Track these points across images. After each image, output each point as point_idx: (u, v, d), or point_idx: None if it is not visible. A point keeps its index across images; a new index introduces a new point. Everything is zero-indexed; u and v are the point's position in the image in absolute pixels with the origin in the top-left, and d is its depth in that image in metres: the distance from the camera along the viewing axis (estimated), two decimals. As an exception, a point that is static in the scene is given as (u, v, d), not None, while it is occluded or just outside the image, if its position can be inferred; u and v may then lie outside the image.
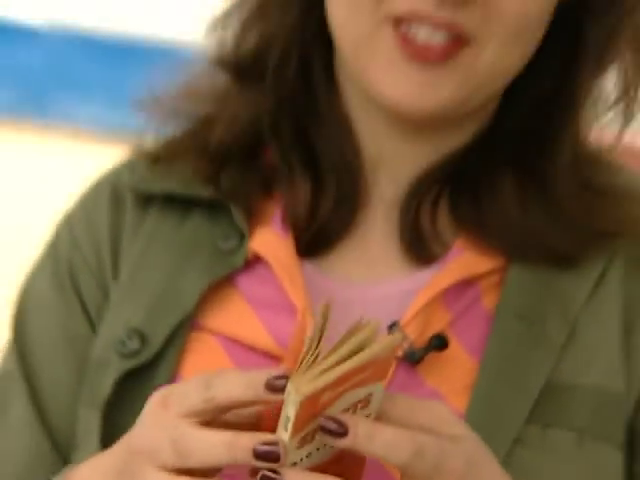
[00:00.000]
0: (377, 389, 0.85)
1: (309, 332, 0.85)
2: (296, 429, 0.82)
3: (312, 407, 0.82)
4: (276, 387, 0.83)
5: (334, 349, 0.84)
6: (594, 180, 1.08)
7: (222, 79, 1.13)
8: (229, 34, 1.12)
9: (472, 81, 1.02)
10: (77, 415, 1.07)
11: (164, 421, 0.87)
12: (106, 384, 1.05)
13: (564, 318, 1.04)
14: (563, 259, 1.05)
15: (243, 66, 1.11)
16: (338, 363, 0.83)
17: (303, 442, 0.83)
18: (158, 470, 0.86)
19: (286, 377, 0.83)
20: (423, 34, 0.99)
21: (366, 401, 0.85)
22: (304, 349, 0.84)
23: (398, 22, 0.99)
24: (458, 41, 0.99)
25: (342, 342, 0.84)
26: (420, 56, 1.00)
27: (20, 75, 20.54)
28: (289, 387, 0.82)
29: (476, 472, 0.87)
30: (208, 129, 1.11)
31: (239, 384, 0.85)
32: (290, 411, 0.81)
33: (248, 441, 0.82)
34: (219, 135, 1.10)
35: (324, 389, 0.82)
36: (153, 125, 1.14)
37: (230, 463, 0.84)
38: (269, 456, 0.81)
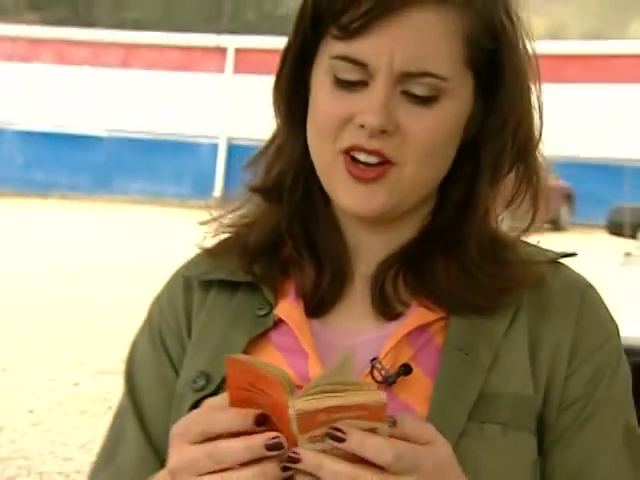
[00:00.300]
0: (382, 428, 1.06)
1: (323, 370, 1.12)
2: (301, 430, 1.04)
3: (311, 418, 1.04)
4: (271, 447, 1.05)
5: (321, 379, 1.06)
6: (500, 254, 1.31)
7: (255, 200, 1.40)
8: (258, 171, 1.38)
9: (398, 191, 1.26)
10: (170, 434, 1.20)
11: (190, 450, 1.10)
12: (184, 410, 1.28)
13: (490, 348, 1.27)
14: (482, 309, 1.28)
15: (269, 191, 1.37)
16: (324, 392, 1.05)
17: (314, 440, 1.04)
18: (201, 477, 1.09)
19: (277, 439, 1.05)
20: (362, 158, 1.24)
21: (373, 432, 1.05)
22: (312, 381, 1.06)
23: (346, 152, 1.25)
24: (385, 162, 1.23)
25: (328, 375, 1.07)
26: (361, 178, 1.25)
27: (91, 167, 28.02)
28: (290, 402, 1.04)
29: (441, 472, 1.09)
30: (247, 233, 1.37)
31: (241, 448, 1.07)
32: (292, 419, 1.04)
33: (260, 440, 1.05)
34: (255, 237, 1.36)
35: (316, 412, 1.04)
36: (211, 232, 1.40)
37: (253, 458, 1.06)
38: (275, 446, 1.05)
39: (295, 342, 1.31)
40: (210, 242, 1.41)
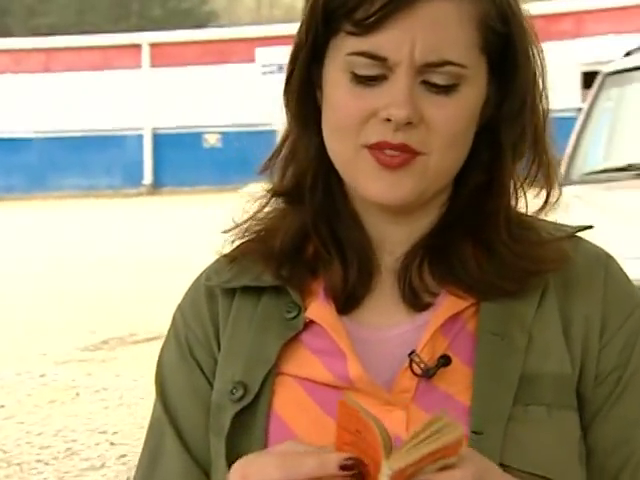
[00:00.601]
0: (454, 460, 1.02)
1: (416, 427, 1.01)
2: None
3: (401, 473, 0.99)
4: (347, 467, 1.01)
5: (416, 435, 1.00)
6: (524, 235, 1.25)
7: (277, 202, 1.32)
8: (275, 173, 1.31)
9: (424, 179, 1.20)
10: (210, 443, 1.24)
11: None
12: (226, 421, 1.22)
13: (523, 330, 1.21)
14: (511, 293, 1.22)
15: (289, 193, 1.29)
16: (416, 446, 0.99)
17: None
18: None
19: (352, 459, 1.01)
20: (388, 152, 1.18)
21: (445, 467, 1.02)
22: (407, 438, 1.00)
23: (371, 148, 1.19)
24: (412, 153, 1.18)
25: (423, 430, 1.00)
26: (388, 165, 1.18)
27: (24, 168, 27.88)
28: (383, 463, 0.99)
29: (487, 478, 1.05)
30: (270, 237, 1.29)
31: (313, 466, 1.02)
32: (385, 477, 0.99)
33: (335, 458, 1.01)
34: (281, 240, 1.28)
35: (408, 465, 0.99)
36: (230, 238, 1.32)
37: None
38: (350, 467, 1.01)
39: (330, 343, 1.24)
40: (227, 248, 1.34)
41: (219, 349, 1.29)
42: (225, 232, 1.33)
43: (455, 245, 1.25)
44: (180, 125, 26.90)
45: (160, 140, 27.65)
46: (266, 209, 1.33)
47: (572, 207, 5.23)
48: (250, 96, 23.71)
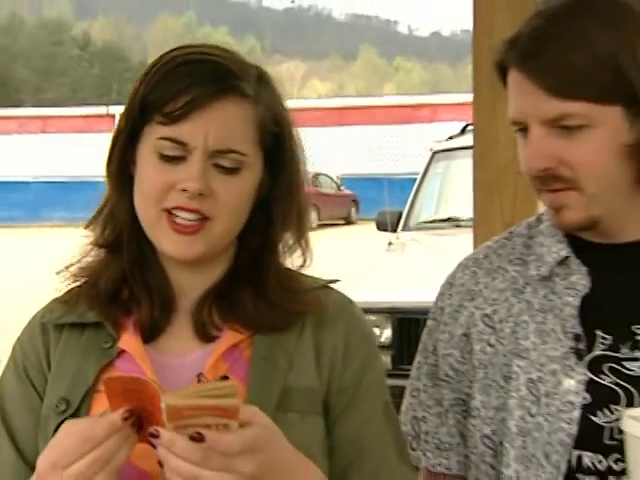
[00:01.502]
0: (233, 425, 0.98)
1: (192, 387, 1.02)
2: (169, 419, 0.96)
3: (178, 411, 0.95)
4: (128, 417, 0.99)
5: (197, 387, 1.01)
6: (289, 285, 1.22)
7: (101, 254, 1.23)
8: (99, 227, 1.21)
9: (211, 240, 1.16)
10: (39, 448, 1.11)
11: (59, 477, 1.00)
12: (50, 430, 1.14)
13: (285, 355, 1.19)
14: (279, 328, 1.19)
15: (110, 245, 1.22)
16: (194, 393, 0.97)
17: (179, 429, 0.96)
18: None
19: (129, 410, 0.99)
20: (184, 216, 1.14)
21: (226, 427, 0.97)
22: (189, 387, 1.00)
23: (169, 212, 1.14)
24: (203, 218, 1.14)
25: (205, 386, 1.01)
26: (182, 232, 1.15)
27: (24, 203, 27.66)
28: (163, 397, 0.95)
29: (270, 445, 1.02)
30: (95, 282, 1.21)
31: (104, 428, 0.99)
32: (163, 410, 0.95)
33: (118, 414, 0.99)
34: (104, 285, 1.21)
35: (182, 408, 0.95)
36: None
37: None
38: (130, 414, 0.99)
39: (137, 367, 1.17)
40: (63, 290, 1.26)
41: (49, 371, 1.22)
42: (57, 274, 1.25)
43: (237, 292, 1.22)
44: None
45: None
46: (89, 258, 1.25)
47: (408, 247, 5.61)
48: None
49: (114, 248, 1.23)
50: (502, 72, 1.18)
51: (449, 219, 5.88)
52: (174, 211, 1.15)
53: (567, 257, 1.21)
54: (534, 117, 1.13)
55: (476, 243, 2.00)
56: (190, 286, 1.23)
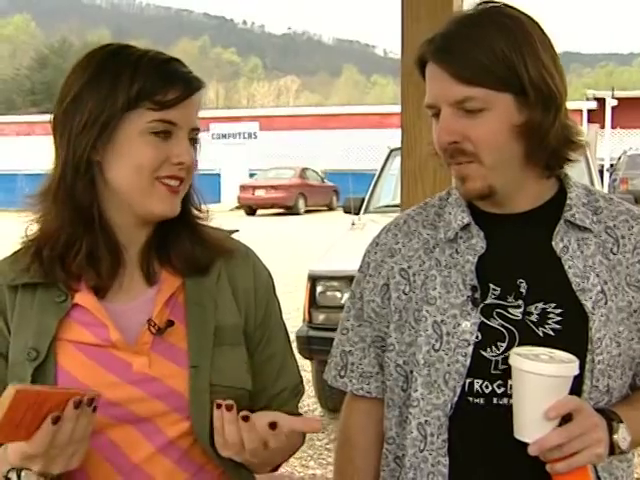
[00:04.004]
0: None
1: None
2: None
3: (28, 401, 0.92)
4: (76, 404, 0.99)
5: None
6: (207, 237, 1.21)
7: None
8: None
9: (180, 198, 1.17)
10: None
11: None
12: (27, 374, 1.10)
13: (211, 299, 1.17)
14: (202, 271, 1.18)
15: (60, 212, 1.14)
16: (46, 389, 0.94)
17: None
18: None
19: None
20: (172, 183, 1.14)
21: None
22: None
23: (162, 179, 1.13)
24: (182, 183, 1.15)
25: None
26: (174, 191, 1.15)
27: None
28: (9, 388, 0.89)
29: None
30: (44, 244, 1.15)
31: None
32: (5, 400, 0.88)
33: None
34: (51, 247, 1.14)
35: (31, 395, 0.92)
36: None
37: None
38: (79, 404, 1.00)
39: (93, 318, 1.14)
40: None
41: (8, 329, 1.15)
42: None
43: (172, 240, 1.21)
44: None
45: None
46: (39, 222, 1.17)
47: (367, 226, 5.42)
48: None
49: (64, 215, 1.14)
50: (422, 67, 1.21)
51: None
52: (165, 180, 1.14)
53: (469, 224, 1.24)
54: (444, 100, 1.17)
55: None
56: (136, 239, 1.19)
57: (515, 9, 1.20)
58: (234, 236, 1.28)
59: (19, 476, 1.01)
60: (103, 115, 1.12)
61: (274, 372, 1.23)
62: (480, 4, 1.21)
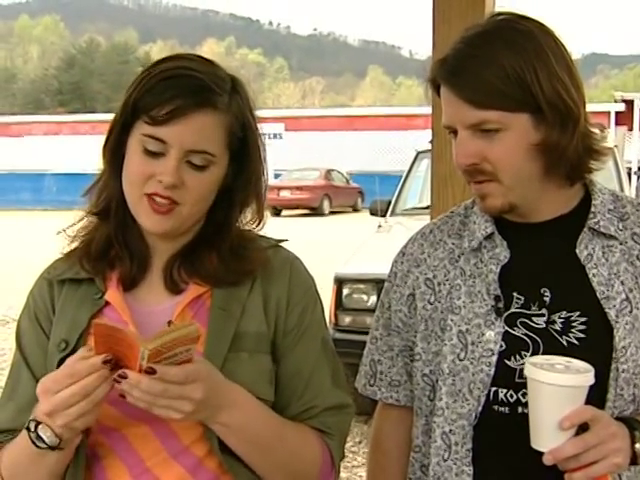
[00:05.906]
0: (192, 347, 1.01)
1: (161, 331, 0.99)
2: (151, 360, 0.97)
3: (157, 353, 0.97)
4: (108, 361, 1.01)
5: (162, 330, 0.98)
6: (243, 247, 1.21)
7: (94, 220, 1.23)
8: (91, 198, 1.22)
9: (179, 220, 1.16)
10: None
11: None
12: (55, 364, 1.15)
13: (239, 305, 1.18)
14: (233, 283, 1.19)
15: (101, 214, 1.22)
16: (162, 336, 0.97)
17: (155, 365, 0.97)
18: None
19: (110, 356, 1.01)
20: (158, 200, 1.14)
21: (187, 352, 1.01)
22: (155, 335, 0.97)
23: (149, 195, 1.14)
24: (173, 204, 1.14)
25: (169, 328, 1.00)
26: (158, 212, 1.14)
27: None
28: (141, 349, 0.96)
29: (211, 377, 1.05)
30: (88, 244, 1.23)
31: (86, 367, 1.02)
32: (144, 355, 0.96)
33: (99, 358, 1.02)
34: (94, 246, 1.22)
35: (159, 347, 0.97)
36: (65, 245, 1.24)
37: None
38: (109, 361, 1.01)
39: (119, 316, 1.18)
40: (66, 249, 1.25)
41: (54, 317, 1.23)
42: (57, 234, 1.25)
43: (199, 254, 1.22)
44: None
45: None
46: (83, 223, 1.25)
47: (394, 228, 5.47)
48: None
49: (104, 215, 1.22)
50: (436, 87, 1.20)
51: (428, 207, 5.80)
52: (152, 196, 1.15)
53: (492, 233, 1.23)
54: (459, 123, 1.16)
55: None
56: (163, 249, 1.22)
57: (527, 19, 1.17)
58: (284, 244, 1.27)
59: (36, 427, 1.06)
60: (121, 118, 1.18)
61: (299, 388, 1.21)
62: (493, 16, 1.18)
